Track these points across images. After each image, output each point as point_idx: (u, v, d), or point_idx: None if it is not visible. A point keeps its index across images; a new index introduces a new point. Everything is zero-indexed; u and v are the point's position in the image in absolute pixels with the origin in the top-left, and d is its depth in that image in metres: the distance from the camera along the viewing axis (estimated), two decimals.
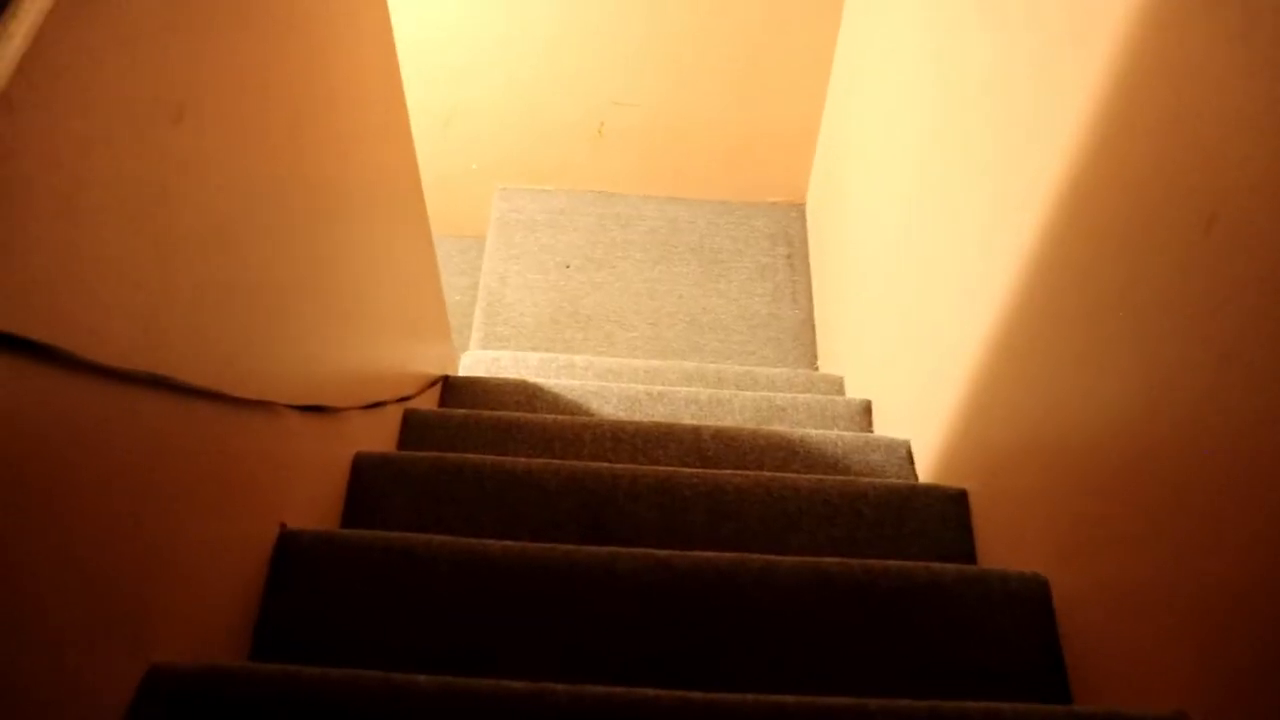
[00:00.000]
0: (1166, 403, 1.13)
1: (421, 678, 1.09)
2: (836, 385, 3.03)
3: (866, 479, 1.88)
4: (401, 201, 2.21)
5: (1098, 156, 1.34)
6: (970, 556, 1.75)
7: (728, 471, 1.81)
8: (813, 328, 3.72)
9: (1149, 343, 1.18)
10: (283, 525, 1.49)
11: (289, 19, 1.43)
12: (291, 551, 1.46)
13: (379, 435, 2.06)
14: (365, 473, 1.81)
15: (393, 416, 2.17)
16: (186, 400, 1.10)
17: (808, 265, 3.92)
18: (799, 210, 4.10)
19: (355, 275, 1.83)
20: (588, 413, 2.52)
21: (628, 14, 3.68)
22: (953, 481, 1.87)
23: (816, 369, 3.57)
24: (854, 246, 3.11)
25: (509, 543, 1.46)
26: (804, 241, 4.00)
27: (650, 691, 1.08)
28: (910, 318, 2.30)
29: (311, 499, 1.66)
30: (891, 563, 1.45)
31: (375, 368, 2.01)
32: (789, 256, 3.93)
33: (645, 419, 2.42)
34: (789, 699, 1.07)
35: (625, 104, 3.83)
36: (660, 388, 2.59)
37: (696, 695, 1.07)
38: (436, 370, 2.59)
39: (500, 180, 4.13)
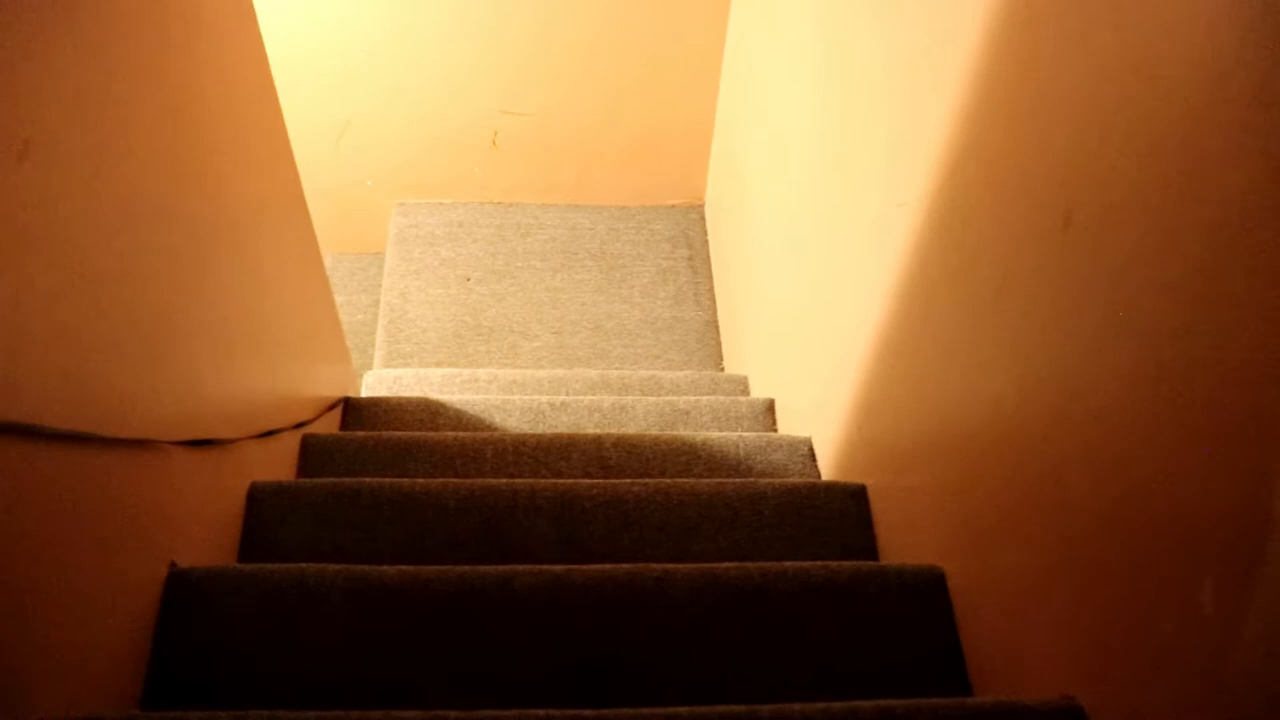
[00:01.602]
0: (1040, 396, 1.15)
1: (311, 714, 1.07)
2: (741, 385, 3.05)
3: (766, 480, 1.89)
4: (285, 223, 2.17)
5: (968, 156, 1.37)
6: (872, 552, 1.77)
7: (627, 480, 1.81)
8: (717, 329, 3.73)
9: (1020, 337, 1.20)
10: (172, 564, 1.45)
11: (152, 44, 1.40)
12: (181, 590, 1.42)
13: (276, 464, 2.02)
14: (261, 503, 1.78)
15: (290, 444, 2.13)
16: (52, 446, 1.07)
17: (709, 266, 3.94)
18: (698, 212, 4.12)
19: (238, 302, 1.80)
20: (490, 427, 2.50)
21: (516, 21, 3.66)
22: (853, 478, 1.89)
23: (722, 370, 3.59)
24: (753, 246, 3.13)
25: (403, 567, 1.44)
26: (704, 243, 4.01)
27: (541, 712, 1.07)
28: (809, 316, 2.32)
29: (204, 534, 1.62)
30: (788, 564, 1.46)
31: (267, 395, 1.97)
32: (690, 258, 3.94)
33: (548, 430, 2.41)
34: (682, 710, 1.07)
35: (515, 113, 3.81)
36: (563, 398, 2.58)
37: (587, 713, 1.07)
38: (336, 393, 2.55)
39: (397, 195, 4.09)
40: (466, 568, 1.44)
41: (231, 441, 1.70)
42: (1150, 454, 0.94)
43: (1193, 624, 0.88)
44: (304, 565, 1.45)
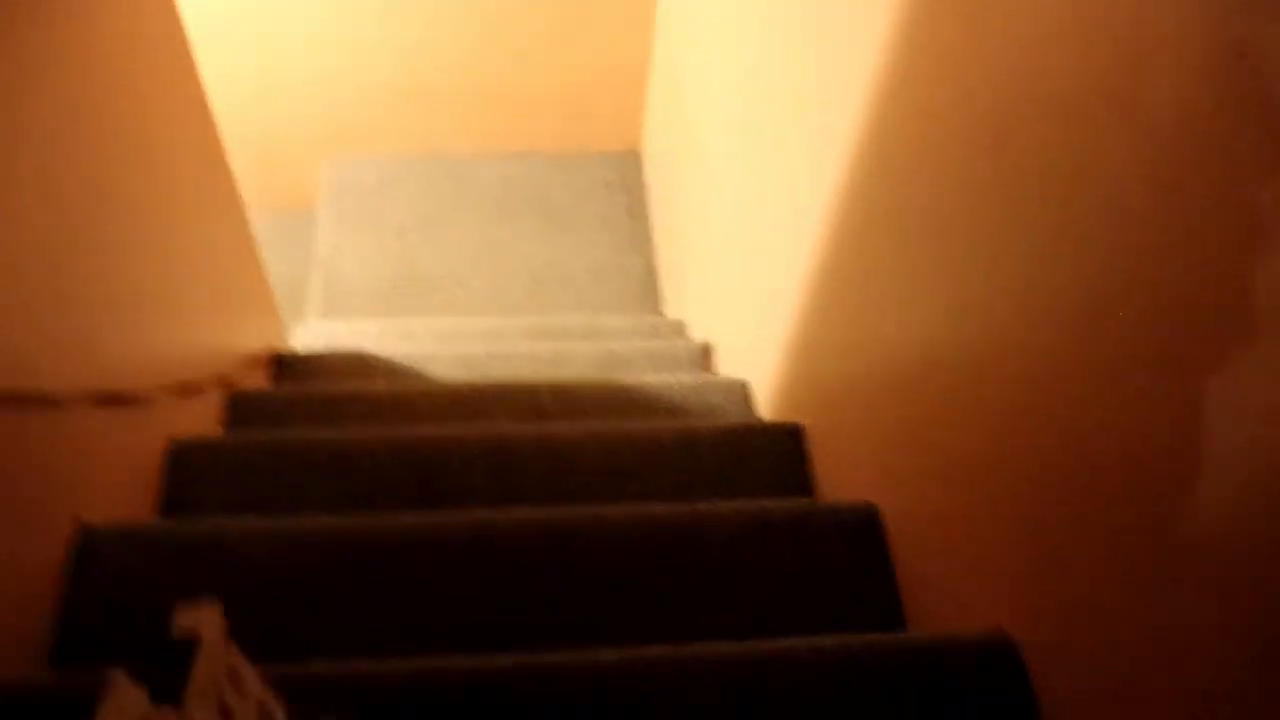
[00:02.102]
0: (971, 328, 1.12)
1: None
2: (679, 330, 3.01)
3: (702, 422, 1.86)
4: (203, 177, 2.10)
5: (902, 86, 1.33)
6: (809, 491, 1.75)
7: (561, 426, 1.77)
8: (656, 275, 3.69)
9: (953, 268, 1.17)
10: (79, 522, 1.40)
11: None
12: (90, 549, 1.37)
13: (199, 420, 1.96)
14: (181, 460, 1.72)
15: (215, 399, 2.07)
16: None
17: (647, 212, 3.89)
18: (636, 158, 4.07)
19: (149, 256, 1.73)
20: (425, 378, 2.45)
21: None
22: (789, 418, 1.87)
23: (661, 315, 3.55)
24: (690, 190, 3.09)
25: (326, 519, 1.39)
26: (643, 189, 3.96)
27: (460, 660, 1.03)
28: (745, 258, 2.28)
29: (119, 492, 1.57)
30: (722, 505, 1.43)
31: (186, 350, 1.91)
32: (628, 205, 3.89)
33: (484, 379, 2.37)
34: (607, 655, 1.04)
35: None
36: (500, 347, 2.53)
37: (504, 660, 1.03)
38: (265, 348, 2.48)
39: (328, 150, 3.99)
40: (394, 517, 1.40)
41: (146, 397, 1.63)
42: (1083, 384, 0.91)
43: (1125, 554, 0.86)
44: (222, 521, 1.41)
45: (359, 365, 2.52)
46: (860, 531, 1.40)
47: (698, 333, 2.90)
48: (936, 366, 1.22)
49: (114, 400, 1.49)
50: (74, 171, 1.42)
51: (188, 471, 1.70)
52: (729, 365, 2.43)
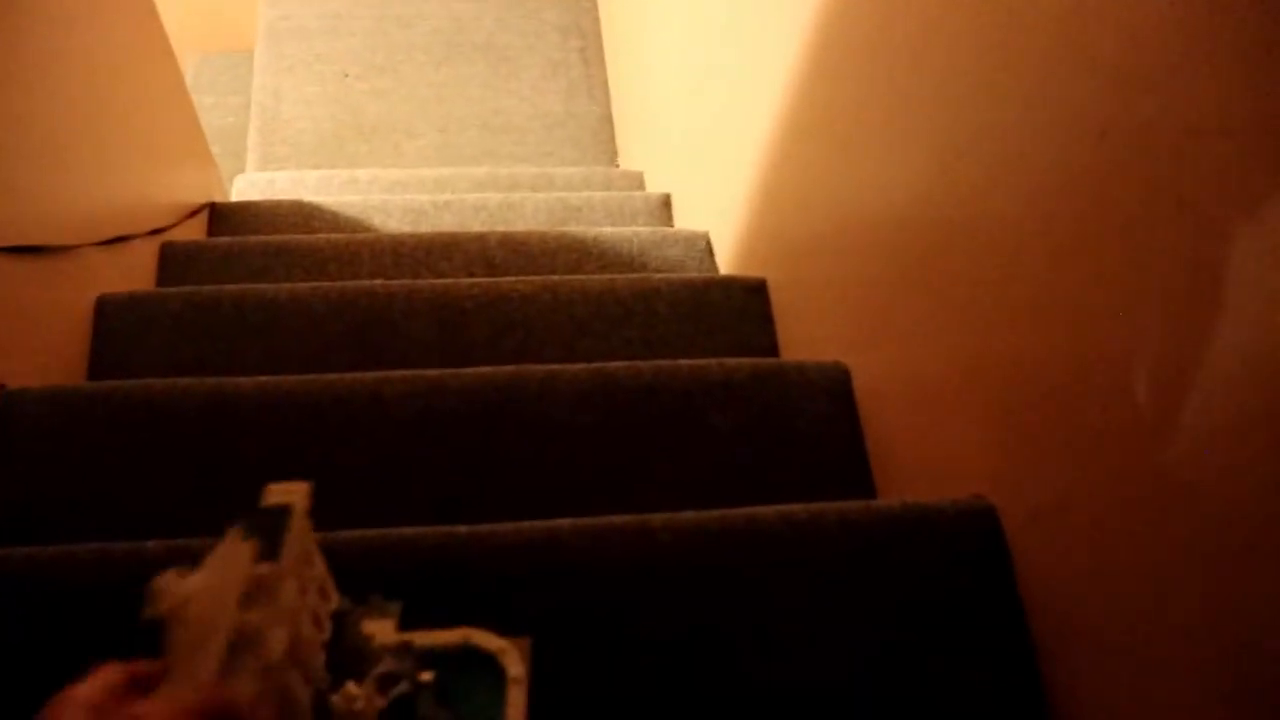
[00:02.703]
0: (964, 172, 1.03)
1: (150, 544, 0.95)
2: (636, 181, 2.90)
3: (661, 275, 1.78)
4: (122, 16, 1.94)
5: None
6: (773, 349, 1.68)
7: (511, 279, 1.68)
8: (611, 123, 3.56)
9: (942, 108, 1.08)
10: (1, 385, 1.31)
11: None
12: (14, 413, 1.28)
13: (129, 274, 1.85)
14: (110, 317, 1.62)
15: (145, 252, 1.95)
16: None
17: (603, 58, 3.72)
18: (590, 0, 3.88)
19: (75, 102, 1.60)
20: (369, 229, 2.34)
21: None
22: (752, 272, 1.79)
23: (617, 166, 3.43)
24: (646, 35, 2.94)
25: (263, 378, 1.31)
26: (598, 33, 3.79)
27: (410, 531, 0.96)
28: (708, 103, 2.17)
29: (43, 352, 1.47)
30: (683, 362, 1.36)
31: (111, 199, 1.79)
32: (582, 50, 3.72)
33: (431, 231, 2.26)
34: (564, 523, 0.97)
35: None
36: (448, 197, 2.42)
37: (461, 529, 0.97)
38: (199, 198, 2.35)
39: None
40: (334, 376, 1.32)
41: (66, 249, 1.53)
42: (1089, 223, 0.83)
43: (1122, 416, 0.80)
44: (151, 381, 1.32)
45: (299, 217, 2.40)
46: (829, 392, 1.34)
47: (656, 184, 2.80)
48: (923, 216, 1.14)
49: (26, 251, 1.39)
50: None
51: (117, 330, 1.61)
52: (689, 218, 2.34)
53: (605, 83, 3.65)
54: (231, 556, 0.68)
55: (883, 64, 1.23)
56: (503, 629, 0.81)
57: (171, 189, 2.16)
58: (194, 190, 2.33)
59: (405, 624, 0.78)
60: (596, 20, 3.82)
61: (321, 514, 1.20)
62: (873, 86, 1.26)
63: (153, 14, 2.12)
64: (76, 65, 1.65)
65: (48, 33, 1.53)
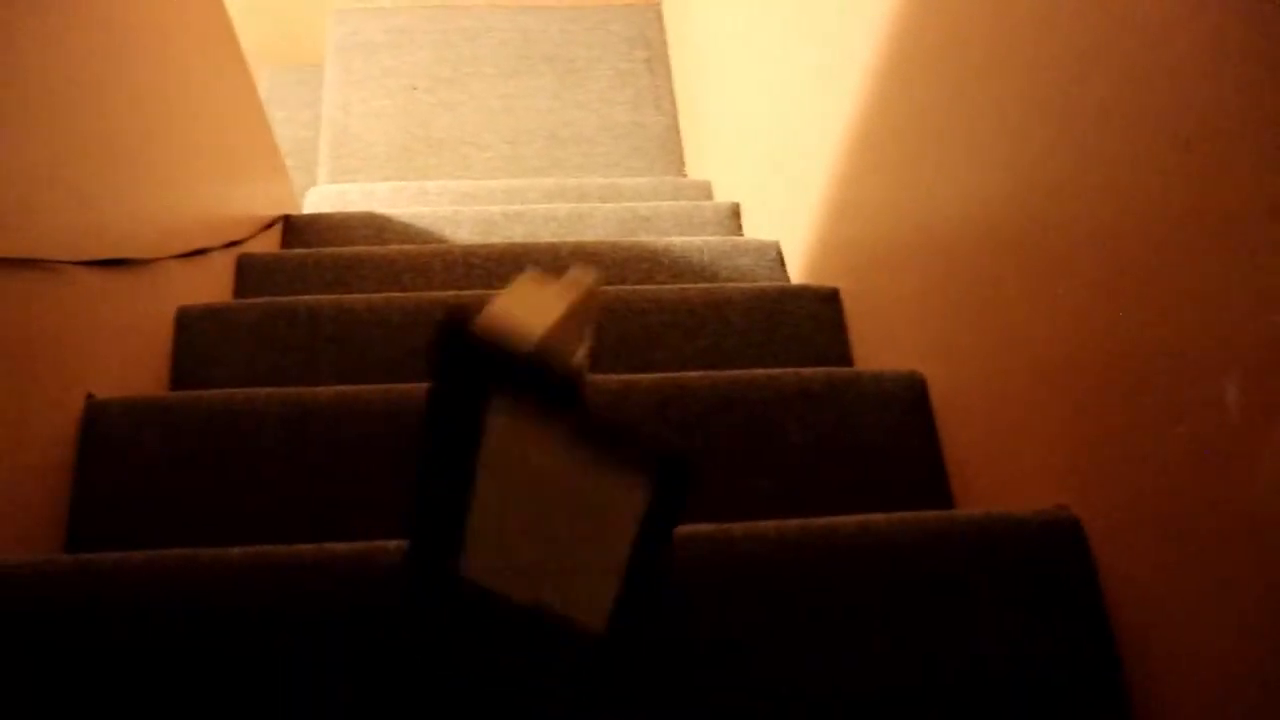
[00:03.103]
0: (1038, 179, 1.02)
1: (234, 551, 0.97)
2: (704, 190, 2.90)
3: (733, 284, 1.78)
4: (204, 33, 1.98)
5: None
6: (845, 359, 1.67)
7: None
8: (678, 133, 3.56)
9: (1015, 117, 1.06)
10: (89, 396, 1.33)
11: None
12: (101, 424, 1.31)
13: (208, 286, 1.88)
14: (190, 328, 1.65)
15: (223, 264, 1.99)
16: None
17: (669, 68, 3.73)
18: (656, 11, 3.89)
19: (150, 116, 1.63)
20: (440, 240, 2.36)
21: None
22: (825, 281, 1.78)
23: (684, 175, 3.43)
24: (714, 45, 2.94)
25: (342, 388, 1.32)
26: (663, 43, 3.79)
27: None
28: (776, 114, 2.16)
29: (128, 363, 1.50)
30: (758, 372, 1.35)
31: (191, 213, 1.82)
32: (648, 60, 3.73)
33: (502, 241, 2.27)
34: None
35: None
36: (518, 207, 2.43)
37: None
38: (273, 210, 2.39)
39: (335, 2, 3.83)
40: (412, 385, 1.33)
41: (148, 262, 1.55)
42: (1173, 234, 0.82)
43: (1213, 426, 0.78)
44: (232, 391, 1.34)
45: (371, 228, 2.43)
46: (906, 402, 1.32)
47: (724, 193, 2.79)
48: (999, 222, 1.12)
49: (113, 264, 1.41)
50: (72, 33, 1.32)
51: (197, 341, 1.63)
52: (758, 227, 2.33)
53: (672, 93, 3.65)
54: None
55: (958, 73, 1.21)
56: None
57: (247, 202, 2.20)
58: (269, 203, 2.37)
59: None
60: (662, 31, 3.82)
61: (399, 523, 1.21)
62: (948, 95, 1.25)
63: (230, 30, 2.16)
64: (157, 81, 1.68)
65: (131, 48, 1.56)
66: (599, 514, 0.64)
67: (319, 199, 2.92)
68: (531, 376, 0.62)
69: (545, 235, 2.35)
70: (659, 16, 3.87)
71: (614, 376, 1.34)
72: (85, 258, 1.33)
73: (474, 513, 0.67)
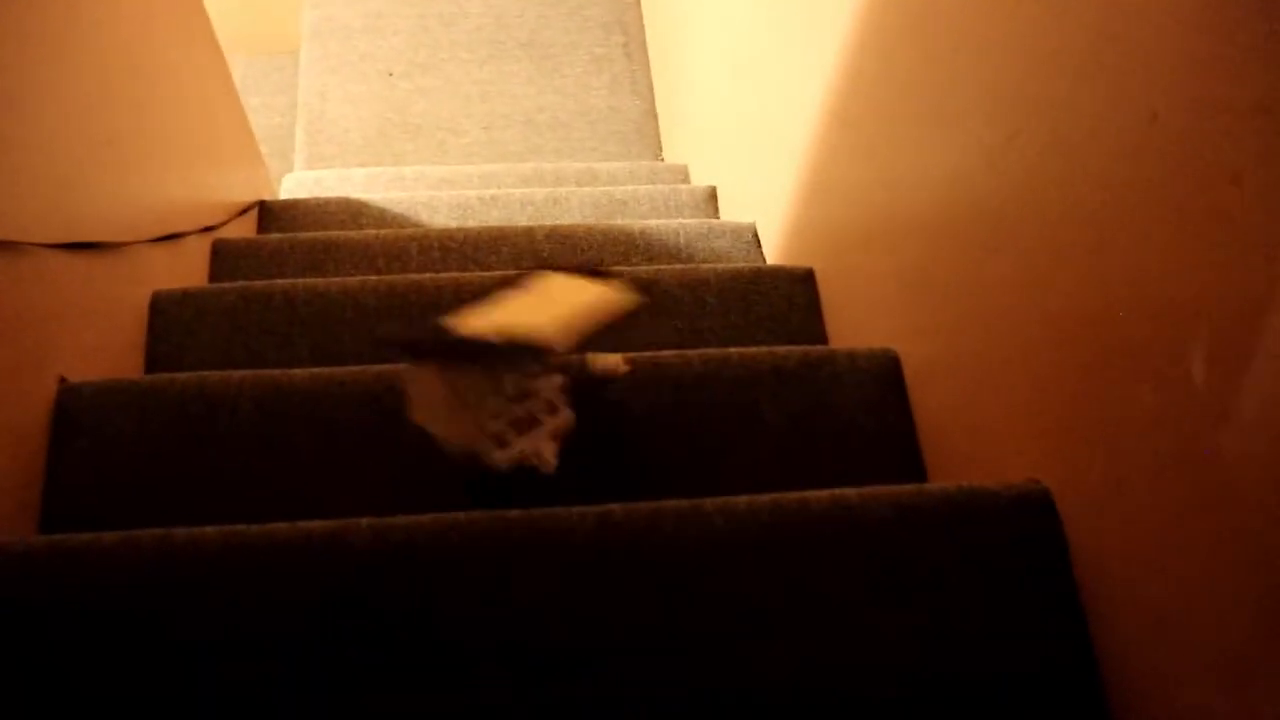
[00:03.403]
0: (1013, 159, 1.03)
1: (209, 530, 0.97)
2: (681, 174, 2.91)
3: (709, 265, 1.78)
4: (176, 18, 1.97)
5: None
6: (821, 338, 1.67)
7: (559, 269, 1.68)
8: (655, 118, 3.56)
9: (988, 93, 1.07)
10: (61, 379, 1.33)
11: None
12: (74, 407, 1.30)
13: (182, 270, 1.88)
14: (165, 313, 1.64)
15: (198, 249, 1.98)
16: None
17: (646, 53, 3.72)
18: None
19: (128, 101, 1.62)
20: (417, 225, 2.36)
21: None
22: (800, 262, 1.78)
23: (661, 160, 3.43)
24: (690, 29, 2.94)
25: (316, 370, 1.32)
26: (641, 28, 3.79)
27: (460, 515, 0.97)
28: (752, 95, 2.17)
29: (101, 347, 1.49)
30: (733, 350, 1.36)
31: (166, 198, 1.81)
32: (625, 45, 3.73)
33: (478, 225, 2.27)
34: (616, 507, 0.98)
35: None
36: (494, 192, 2.43)
37: (514, 513, 0.97)
38: (248, 196, 2.38)
39: None
40: (385, 366, 1.33)
41: (122, 245, 1.55)
42: (1140, 205, 0.82)
43: (1180, 393, 0.79)
44: (206, 374, 1.33)
45: (347, 214, 2.43)
46: (880, 379, 1.33)
47: (701, 176, 2.80)
48: (972, 202, 1.13)
49: (85, 247, 1.41)
50: (44, 19, 1.31)
51: (172, 325, 1.63)
52: (734, 210, 2.34)
53: (649, 77, 3.65)
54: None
55: (928, 51, 1.22)
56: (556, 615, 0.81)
57: (222, 187, 2.19)
58: (244, 189, 2.36)
59: None
60: (639, 15, 3.82)
61: (378, 500, 1.21)
62: (919, 73, 1.26)
63: (203, 14, 2.15)
64: (131, 65, 1.67)
65: (104, 34, 1.55)
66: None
67: (295, 185, 2.91)
68: None
69: (522, 220, 2.35)
70: (636, 2, 3.86)
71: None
72: (59, 241, 1.33)
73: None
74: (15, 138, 1.23)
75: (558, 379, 1.17)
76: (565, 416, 1.23)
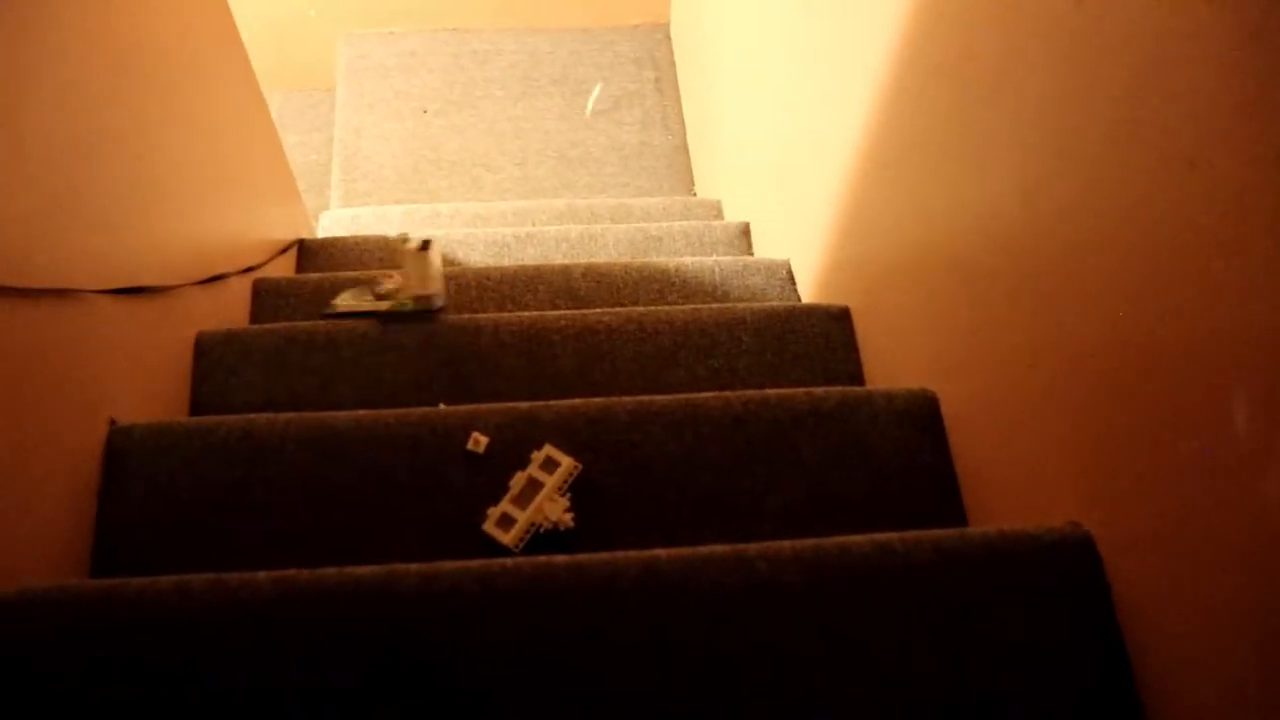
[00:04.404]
0: (1047, 199, 1.04)
1: (260, 575, 0.98)
2: (714, 210, 2.92)
3: (745, 304, 1.79)
4: (217, 61, 2.01)
5: None
6: (857, 377, 1.68)
7: (597, 310, 1.70)
8: (687, 153, 3.58)
9: (1024, 135, 1.08)
10: (111, 421, 1.35)
11: None
12: (123, 448, 1.33)
13: (225, 311, 1.90)
14: (209, 354, 1.67)
15: (240, 290, 2.01)
16: None
17: (677, 88, 3.75)
18: (663, 31, 3.92)
19: (165, 145, 1.65)
20: (453, 263, 2.38)
21: None
22: (835, 299, 1.79)
23: (693, 195, 3.45)
24: (723, 65, 2.96)
25: (360, 413, 1.34)
26: (671, 64, 3.82)
27: (508, 561, 0.98)
28: (786, 133, 2.18)
29: (149, 388, 1.52)
30: (771, 392, 1.37)
31: (208, 240, 1.84)
32: (656, 80, 3.76)
33: (514, 263, 2.29)
34: (661, 553, 0.99)
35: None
36: (529, 229, 2.45)
37: (560, 559, 0.98)
38: (288, 235, 2.42)
39: (345, 25, 3.86)
40: (427, 409, 1.35)
41: (168, 289, 1.58)
42: (1179, 251, 0.83)
43: (1223, 440, 0.80)
44: (253, 416, 1.36)
45: (384, 250, 2.45)
46: (918, 420, 1.34)
47: (734, 212, 2.81)
48: (1007, 241, 1.14)
49: (134, 292, 1.44)
50: (93, 67, 1.34)
51: (216, 366, 1.66)
52: (768, 246, 2.35)
53: (680, 113, 3.68)
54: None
55: (967, 93, 1.23)
56: (601, 661, 0.82)
57: (263, 227, 2.22)
58: (283, 228, 2.39)
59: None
60: (670, 51, 3.85)
61: (420, 543, 1.23)
62: (957, 115, 1.27)
63: (244, 57, 2.19)
64: (176, 111, 1.71)
65: (150, 80, 1.58)
66: None
67: (332, 222, 2.95)
68: None
69: (557, 257, 2.37)
70: (667, 38, 3.90)
71: (629, 398, 1.35)
72: (109, 286, 1.35)
73: None
74: (67, 185, 1.26)
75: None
76: (566, 466, 1.27)
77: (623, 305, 1.98)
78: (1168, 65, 0.83)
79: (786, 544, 1.00)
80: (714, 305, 1.79)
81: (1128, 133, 0.89)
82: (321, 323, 1.71)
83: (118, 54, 1.46)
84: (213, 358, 1.66)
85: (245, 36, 2.18)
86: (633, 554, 0.99)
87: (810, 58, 1.96)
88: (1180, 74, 0.81)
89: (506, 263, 2.35)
